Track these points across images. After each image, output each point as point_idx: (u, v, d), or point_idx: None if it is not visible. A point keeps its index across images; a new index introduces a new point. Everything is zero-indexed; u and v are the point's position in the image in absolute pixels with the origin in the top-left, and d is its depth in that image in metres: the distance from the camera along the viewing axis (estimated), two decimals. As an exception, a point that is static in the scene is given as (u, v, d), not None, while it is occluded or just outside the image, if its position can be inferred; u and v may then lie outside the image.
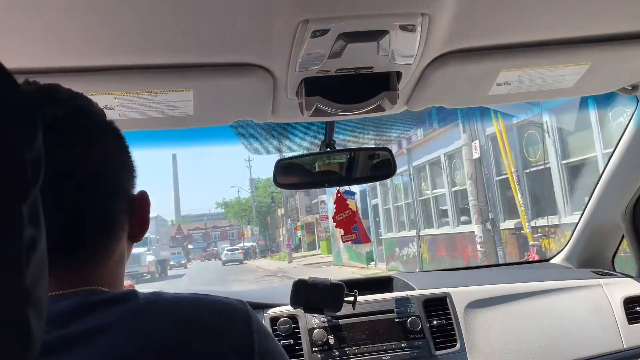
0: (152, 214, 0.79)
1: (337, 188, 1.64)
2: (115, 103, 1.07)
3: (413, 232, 14.79)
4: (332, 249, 22.38)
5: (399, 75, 1.10)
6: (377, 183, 15.36)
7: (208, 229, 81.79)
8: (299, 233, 40.52)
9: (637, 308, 1.76)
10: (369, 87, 1.10)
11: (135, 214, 0.72)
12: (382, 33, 0.93)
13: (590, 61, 1.16)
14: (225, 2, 0.83)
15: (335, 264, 20.92)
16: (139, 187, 0.76)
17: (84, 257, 0.66)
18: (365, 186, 16.85)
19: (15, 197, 0.31)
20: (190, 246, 71.02)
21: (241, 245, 49.56)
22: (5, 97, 0.32)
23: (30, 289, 0.31)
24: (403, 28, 0.92)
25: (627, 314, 1.73)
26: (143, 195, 0.74)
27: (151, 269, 27.46)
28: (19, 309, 0.30)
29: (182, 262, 43.41)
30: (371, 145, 1.68)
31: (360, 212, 1.74)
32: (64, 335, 0.58)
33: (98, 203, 0.67)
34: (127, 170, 0.72)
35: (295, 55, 0.98)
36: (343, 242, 1.71)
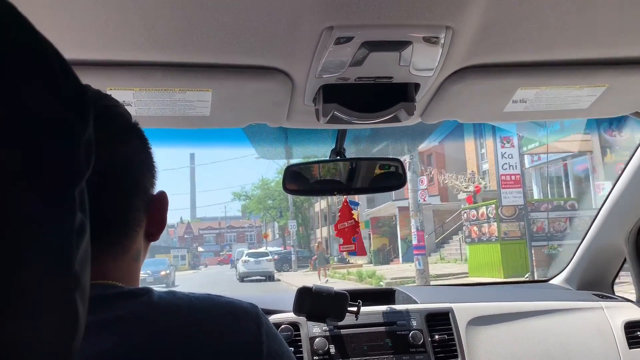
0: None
1: (345, 197, 1.63)
2: (132, 99, 1.07)
3: None
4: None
5: (417, 86, 1.10)
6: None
7: (222, 230, 67.49)
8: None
9: (638, 333, 1.76)
10: (386, 97, 1.10)
11: (152, 213, 0.74)
12: (405, 44, 0.93)
13: (607, 83, 1.16)
14: (252, 4, 0.84)
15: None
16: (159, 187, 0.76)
17: (100, 250, 0.66)
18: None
19: (70, 180, 0.31)
20: (200, 249, 59.61)
21: (263, 249, 31.59)
22: (61, 80, 0.32)
23: (79, 274, 0.31)
24: (426, 40, 0.92)
25: (627, 339, 1.73)
26: (161, 195, 0.76)
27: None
28: (68, 293, 0.30)
29: (162, 272, 22.98)
30: (381, 155, 1.69)
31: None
32: None
33: (116, 200, 0.68)
34: (147, 170, 0.74)
35: (317, 61, 0.98)
36: (340, 252, 1.71)
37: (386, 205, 23.74)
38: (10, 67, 0.28)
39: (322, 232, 34.15)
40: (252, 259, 25.17)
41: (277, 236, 47.36)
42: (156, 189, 0.77)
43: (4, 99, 0.28)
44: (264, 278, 23.91)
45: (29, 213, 0.28)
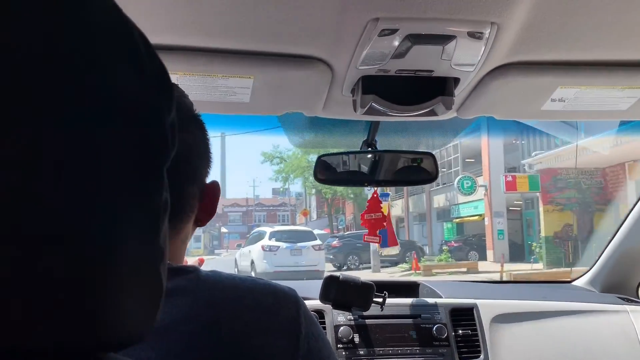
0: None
1: (375, 189, 1.64)
2: (176, 83, 1.09)
3: None
4: None
5: (456, 81, 1.10)
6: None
7: (250, 207, 55.58)
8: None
9: (664, 338, 1.74)
10: (424, 90, 1.11)
11: (205, 201, 0.78)
12: (449, 38, 0.93)
13: None
14: None
15: None
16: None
17: None
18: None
19: (159, 157, 0.32)
20: (223, 229, 49.79)
21: (302, 228, 19.39)
22: (147, 61, 0.33)
23: (163, 247, 0.32)
24: (471, 35, 0.92)
25: None
26: (214, 185, 0.80)
27: None
28: (156, 265, 0.32)
29: None
30: (413, 149, 1.69)
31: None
32: None
33: (174, 186, 0.70)
34: (204, 160, 0.78)
35: (359, 52, 0.98)
36: (364, 241, 1.72)
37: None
38: (99, 49, 0.30)
39: (406, 204, 22.90)
40: (283, 245, 13.56)
41: (316, 216, 35.03)
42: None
43: (95, 81, 0.29)
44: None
45: (125, 188, 0.30)
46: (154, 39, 0.97)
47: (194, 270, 0.69)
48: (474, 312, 1.62)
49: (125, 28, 0.32)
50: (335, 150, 1.59)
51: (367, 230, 1.67)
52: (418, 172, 1.52)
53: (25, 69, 0.26)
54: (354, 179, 1.59)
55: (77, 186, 0.27)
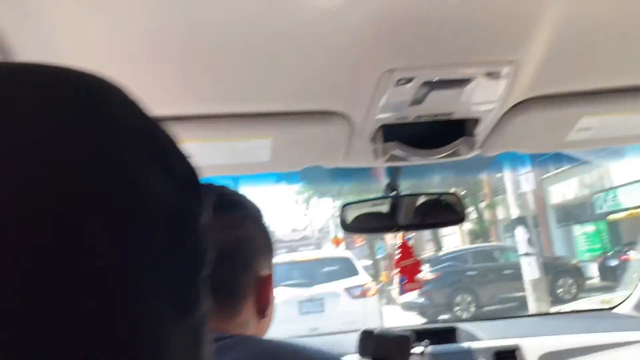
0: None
1: (402, 233, 1.61)
2: (196, 150, 1.08)
3: None
4: None
5: (477, 121, 1.08)
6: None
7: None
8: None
9: None
10: (445, 133, 1.09)
11: (258, 290, 0.81)
12: (467, 81, 0.91)
13: None
14: (314, 53, 0.84)
15: None
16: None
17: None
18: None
19: (197, 267, 0.30)
20: None
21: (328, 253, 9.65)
22: (174, 161, 0.31)
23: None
24: (488, 75, 0.91)
25: None
26: (267, 276, 0.83)
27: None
28: None
29: None
30: (435, 189, 1.66)
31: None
32: None
33: (225, 275, 0.78)
34: (261, 253, 0.83)
35: (376, 102, 0.97)
36: (405, 291, 1.68)
37: None
38: (126, 153, 0.28)
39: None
40: (286, 294, 7.11)
41: (345, 246, 19.38)
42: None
43: (125, 187, 0.27)
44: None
45: (167, 306, 0.27)
46: (171, 109, 0.98)
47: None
48: (517, 354, 1.56)
49: (151, 128, 0.31)
50: (357, 197, 1.57)
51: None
52: (445, 213, 1.49)
53: (49, 176, 0.24)
54: (381, 225, 1.56)
55: (115, 310, 0.25)
